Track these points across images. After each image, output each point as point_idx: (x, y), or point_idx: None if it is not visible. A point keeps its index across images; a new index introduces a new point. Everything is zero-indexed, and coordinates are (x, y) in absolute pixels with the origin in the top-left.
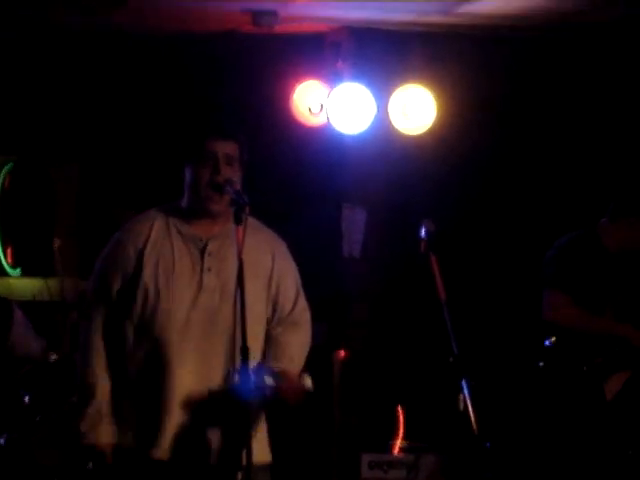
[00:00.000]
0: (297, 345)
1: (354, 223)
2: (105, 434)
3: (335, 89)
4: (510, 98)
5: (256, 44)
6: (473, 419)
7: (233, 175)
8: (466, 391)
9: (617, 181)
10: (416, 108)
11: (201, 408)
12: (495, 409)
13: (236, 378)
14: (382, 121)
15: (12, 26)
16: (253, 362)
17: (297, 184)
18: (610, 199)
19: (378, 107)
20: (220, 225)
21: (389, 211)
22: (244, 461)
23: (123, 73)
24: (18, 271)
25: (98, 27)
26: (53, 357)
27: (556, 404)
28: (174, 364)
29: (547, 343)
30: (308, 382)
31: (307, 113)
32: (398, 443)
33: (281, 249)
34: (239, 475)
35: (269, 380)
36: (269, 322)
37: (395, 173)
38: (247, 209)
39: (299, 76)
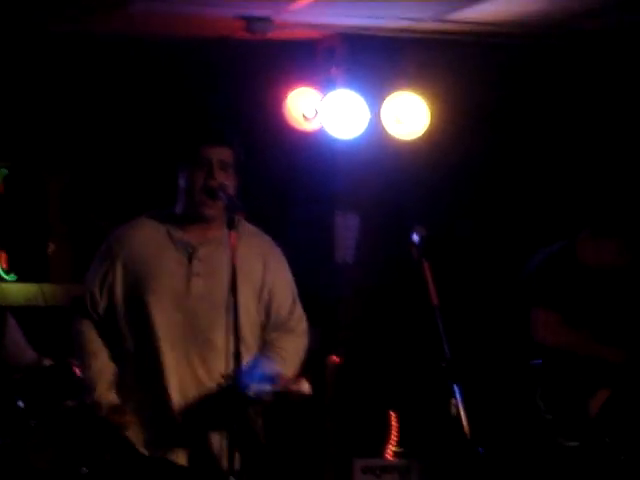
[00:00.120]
0: (292, 351)
1: (347, 229)
2: (105, 393)
3: (328, 95)
4: (503, 104)
5: (250, 50)
6: (465, 424)
7: (227, 181)
8: (458, 396)
9: (602, 197)
10: (409, 114)
11: (195, 412)
12: (487, 414)
13: (229, 382)
14: (375, 127)
15: (7, 33)
16: (245, 367)
17: (290, 189)
18: (595, 211)
19: (371, 113)
20: (214, 231)
21: (382, 217)
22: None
23: (117, 79)
24: (12, 276)
25: (92, 35)
26: (47, 362)
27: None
28: (165, 367)
29: (536, 362)
30: (305, 386)
31: (300, 119)
32: (391, 448)
33: (275, 255)
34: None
35: (266, 386)
36: (264, 328)
37: (388, 179)
38: (241, 215)
39: (292, 82)
